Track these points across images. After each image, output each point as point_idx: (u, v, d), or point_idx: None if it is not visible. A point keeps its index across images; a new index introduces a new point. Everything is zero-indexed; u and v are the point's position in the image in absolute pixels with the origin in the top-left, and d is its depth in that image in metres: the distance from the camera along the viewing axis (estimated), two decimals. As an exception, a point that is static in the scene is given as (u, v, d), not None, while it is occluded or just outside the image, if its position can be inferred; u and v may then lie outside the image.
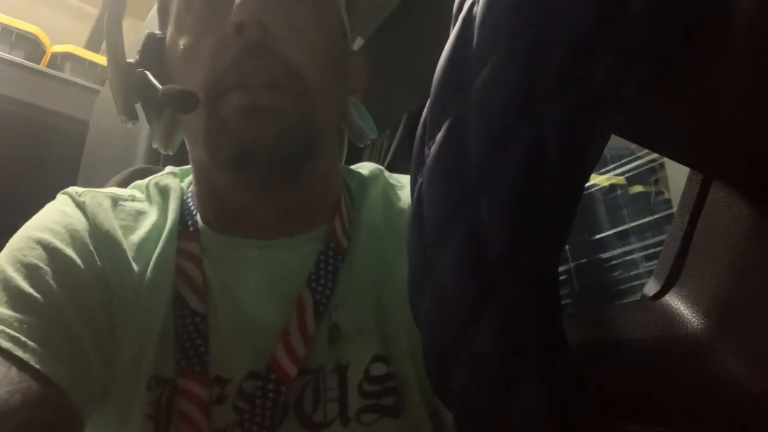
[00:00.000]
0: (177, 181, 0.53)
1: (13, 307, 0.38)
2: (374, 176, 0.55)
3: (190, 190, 0.52)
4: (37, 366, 0.36)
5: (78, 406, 0.38)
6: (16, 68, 1.72)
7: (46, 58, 2.19)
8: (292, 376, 0.43)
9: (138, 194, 0.51)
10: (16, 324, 0.37)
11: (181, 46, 0.46)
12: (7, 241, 0.44)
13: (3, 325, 0.37)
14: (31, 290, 0.39)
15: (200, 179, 0.51)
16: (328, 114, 0.48)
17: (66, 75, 2.00)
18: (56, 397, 0.37)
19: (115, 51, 0.46)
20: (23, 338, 0.37)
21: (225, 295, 0.46)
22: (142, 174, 0.67)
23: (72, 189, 0.49)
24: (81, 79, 1.97)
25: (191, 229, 0.49)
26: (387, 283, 0.48)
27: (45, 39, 2.21)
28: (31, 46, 2.15)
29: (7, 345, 0.36)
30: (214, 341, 0.44)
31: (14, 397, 0.34)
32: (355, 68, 0.53)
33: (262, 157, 0.43)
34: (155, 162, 0.95)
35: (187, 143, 0.51)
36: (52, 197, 0.49)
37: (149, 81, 0.45)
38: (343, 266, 0.48)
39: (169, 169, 0.55)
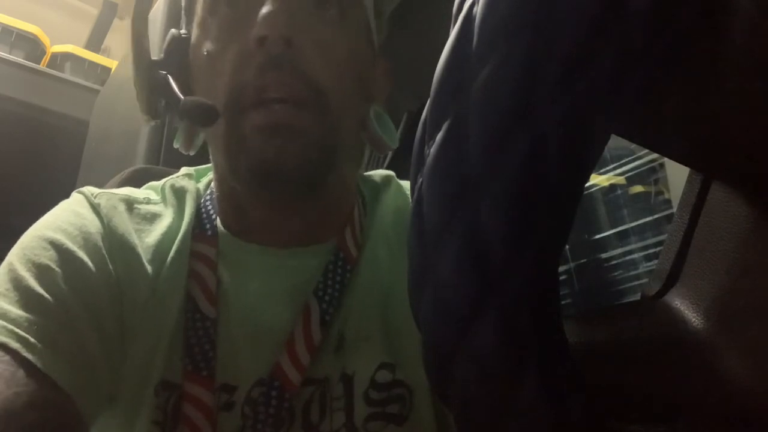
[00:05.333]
0: (193, 182, 0.52)
1: (23, 306, 0.38)
2: (386, 183, 0.55)
3: (209, 192, 0.52)
4: (44, 369, 0.36)
5: (83, 409, 0.38)
6: (16, 68, 1.72)
7: (46, 58, 2.19)
8: (295, 384, 0.42)
9: (153, 196, 0.50)
10: (25, 324, 0.37)
11: (205, 52, 0.46)
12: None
13: (12, 324, 0.37)
14: (41, 291, 0.39)
15: (221, 184, 0.50)
16: (348, 128, 0.47)
17: (66, 75, 2.00)
18: (61, 399, 0.37)
19: (141, 49, 0.46)
20: (32, 339, 0.37)
21: (237, 300, 0.46)
22: (142, 174, 0.66)
23: (87, 189, 0.48)
24: (81, 79, 1.98)
25: (209, 232, 0.48)
26: (396, 289, 0.48)
27: (45, 39, 2.21)
28: (31, 46, 2.16)
29: (15, 345, 0.36)
30: (223, 347, 0.44)
31: (20, 398, 0.34)
32: (380, 74, 0.52)
33: (280, 175, 0.43)
34: (155, 162, 0.95)
35: (209, 146, 0.51)
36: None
37: (171, 86, 0.45)
38: (351, 276, 0.48)
39: (184, 170, 0.54)
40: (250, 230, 0.49)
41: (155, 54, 0.48)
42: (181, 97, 0.44)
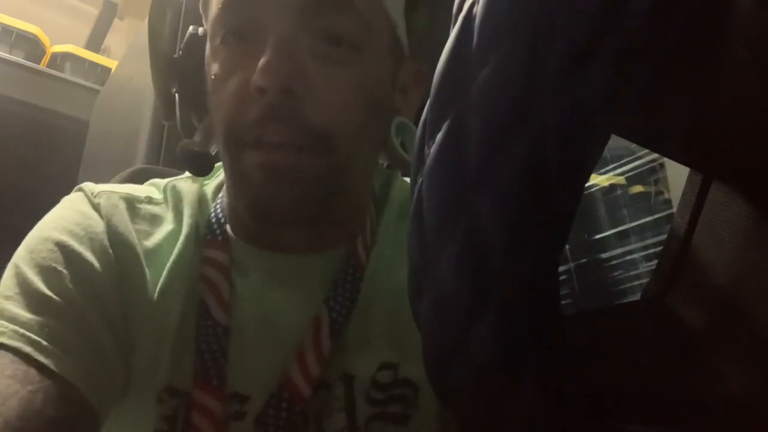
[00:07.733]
0: (196, 186, 0.51)
1: (33, 310, 0.38)
2: (393, 179, 0.54)
3: (220, 196, 0.50)
4: (57, 370, 0.36)
5: (97, 406, 0.38)
6: (16, 68, 1.72)
7: (46, 58, 2.19)
8: (305, 395, 0.42)
9: (155, 195, 0.49)
10: (36, 327, 0.37)
11: (212, 75, 0.44)
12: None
13: (23, 328, 0.37)
14: (50, 293, 0.39)
15: (229, 197, 0.49)
16: (361, 159, 0.45)
17: (66, 75, 2.00)
18: (76, 396, 0.37)
19: (156, 48, 0.46)
20: (44, 342, 0.37)
21: (250, 308, 0.45)
22: (142, 174, 0.66)
23: (88, 187, 0.47)
24: (81, 79, 1.98)
25: (219, 237, 0.47)
26: (403, 287, 0.47)
27: (45, 39, 2.21)
28: (31, 46, 2.16)
29: (27, 349, 0.36)
30: (234, 355, 0.43)
31: (37, 395, 0.35)
32: (409, 80, 0.49)
33: (279, 215, 0.42)
34: (155, 162, 0.95)
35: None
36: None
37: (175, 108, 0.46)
38: (362, 283, 0.47)
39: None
40: (259, 239, 0.48)
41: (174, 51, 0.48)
42: (182, 137, 0.44)
